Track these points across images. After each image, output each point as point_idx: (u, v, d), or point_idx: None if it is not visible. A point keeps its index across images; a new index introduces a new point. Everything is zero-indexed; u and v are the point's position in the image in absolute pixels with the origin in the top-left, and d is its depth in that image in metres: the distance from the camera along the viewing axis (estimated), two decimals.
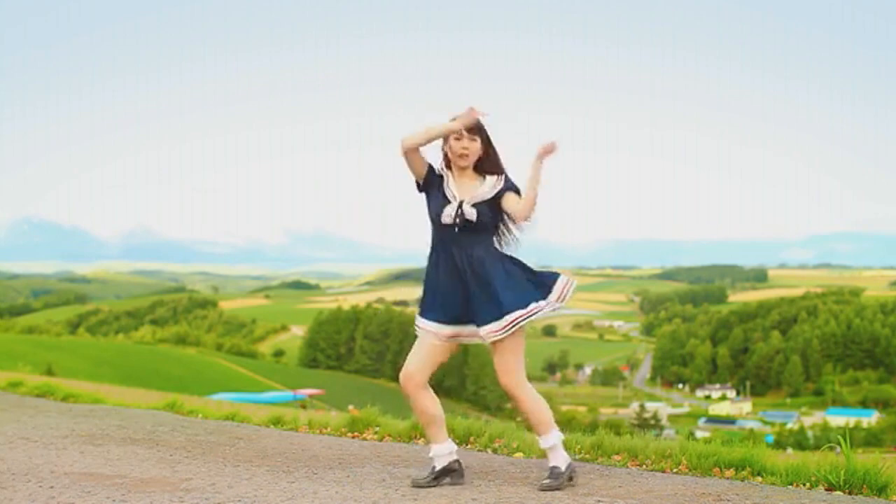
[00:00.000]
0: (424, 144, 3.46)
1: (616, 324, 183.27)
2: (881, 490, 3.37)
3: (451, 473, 3.51)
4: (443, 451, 3.51)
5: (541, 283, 3.45)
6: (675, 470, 3.82)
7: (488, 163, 3.53)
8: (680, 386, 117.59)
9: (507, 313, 3.35)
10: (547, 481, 3.36)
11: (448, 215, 3.44)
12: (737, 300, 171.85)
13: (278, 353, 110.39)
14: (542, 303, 3.39)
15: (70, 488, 3.37)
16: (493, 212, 3.48)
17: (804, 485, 3.51)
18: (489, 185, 3.50)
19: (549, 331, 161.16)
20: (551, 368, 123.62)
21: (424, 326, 3.50)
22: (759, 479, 3.63)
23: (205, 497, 3.24)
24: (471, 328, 3.46)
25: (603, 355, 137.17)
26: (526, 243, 3.61)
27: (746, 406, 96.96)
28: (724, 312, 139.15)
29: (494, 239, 3.54)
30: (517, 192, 3.49)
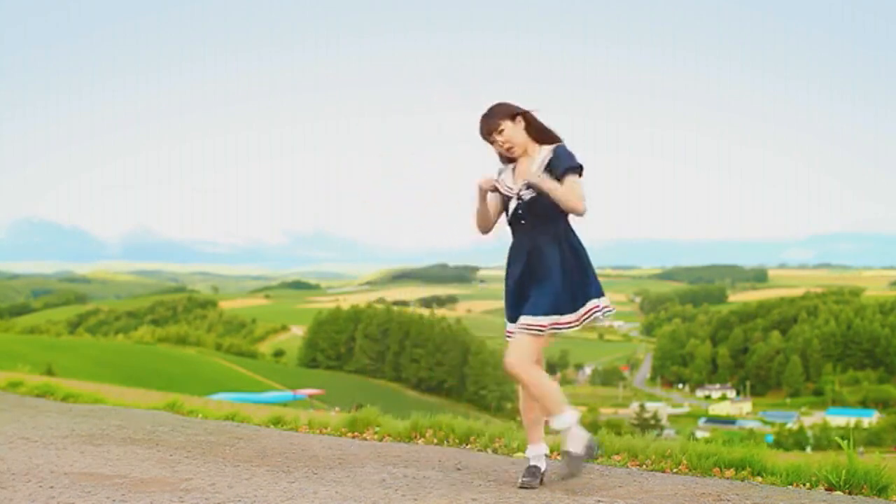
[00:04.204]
0: (485, 211, 3.44)
1: (616, 324, 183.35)
2: (881, 490, 3.37)
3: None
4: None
5: (582, 293, 3.31)
6: (675, 470, 3.82)
7: (535, 133, 3.42)
8: (680, 386, 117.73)
9: (542, 315, 3.25)
10: (567, 469, 3.25)
11: (513, 210, 3.39)
12: (737, 300, 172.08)
13: (278, 353, 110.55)
14: (567, 317, 3.28)
15: (70, 488, 3.37)
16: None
17: (804, 485, 3.51)
18: (538, 163, 3.39)
19: None
20: (551, 368, 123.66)
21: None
22: (759, 479, 3.63)
23: (205, 497, 3.24)
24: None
25: (603, 355, 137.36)
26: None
27: (746, 406, 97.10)
28: (724, 312, 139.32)
29: (562, 219, 3.36)
30: (568, 171, 3.30)
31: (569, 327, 3.30)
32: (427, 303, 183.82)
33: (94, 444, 4.49)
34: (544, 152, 3.41)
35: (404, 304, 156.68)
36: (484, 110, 3.45)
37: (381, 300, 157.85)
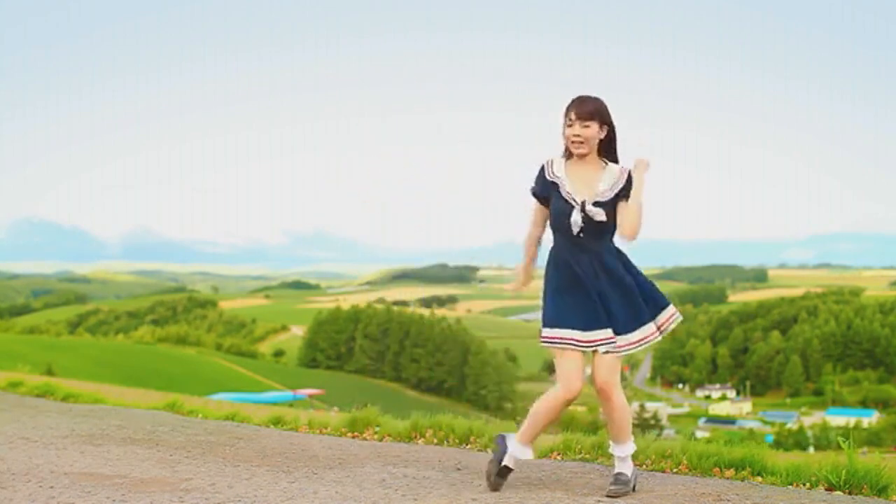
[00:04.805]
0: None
1: None
2: (881, 490, 3.37)
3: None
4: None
5: (653, 302, 3.33)
6: (675, 470, 3.82)
7: (609, 148, 3.36)
8: (680, 386, 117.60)
9: (642, 325, 3.29)
10: (614, 487, 3.29)
11: (575, 223, 3.25)
12: (737, 300, 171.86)
13: (278, 353, 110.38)
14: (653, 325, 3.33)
15: (70, 488, 3.37)
16: (613, 210, 3.28)
17: (804, 485, 3.51)
18: (609, 183, 3.30)
19: None
20: (551, 368, 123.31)
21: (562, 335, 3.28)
22: (759, 479, 3.63)
23: (205, 497, 3.24)
24: (597, 334, 3.26)
25: None
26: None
27: (746, 406, 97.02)
28: (724, 312, 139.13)
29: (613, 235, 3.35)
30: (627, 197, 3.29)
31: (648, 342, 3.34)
32: (427, 303, 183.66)
33: (94, 444, 4.49)
34: (616, 171, 3.32)
35: (404, 304, 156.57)
36: (584, 95, 3.36)
37: (381, 300, 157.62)
